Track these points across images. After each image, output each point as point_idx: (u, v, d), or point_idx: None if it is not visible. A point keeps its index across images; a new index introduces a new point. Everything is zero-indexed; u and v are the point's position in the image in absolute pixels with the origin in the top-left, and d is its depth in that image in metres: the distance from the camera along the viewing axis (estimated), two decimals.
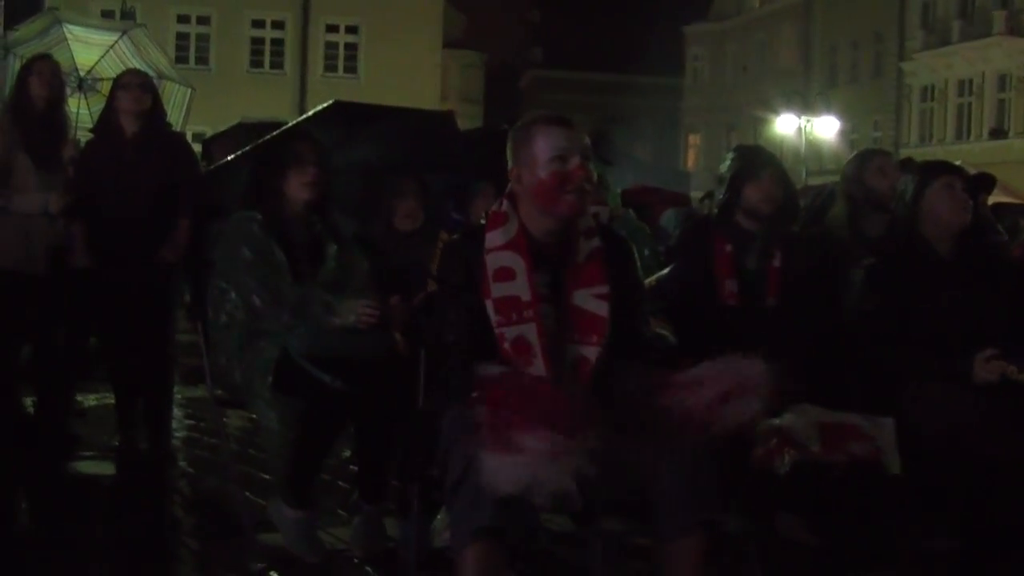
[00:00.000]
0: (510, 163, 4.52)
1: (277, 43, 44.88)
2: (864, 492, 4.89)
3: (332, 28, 44.97)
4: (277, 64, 44.81)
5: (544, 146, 4.41)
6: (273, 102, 37.19)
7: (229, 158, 7.04)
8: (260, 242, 5.52)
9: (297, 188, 5.67)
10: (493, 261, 4.40)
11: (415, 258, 6.27)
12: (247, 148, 6.74)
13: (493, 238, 4.44)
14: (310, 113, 7.22)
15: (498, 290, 4.36)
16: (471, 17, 60.32)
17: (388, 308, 5.58)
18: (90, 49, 9.04)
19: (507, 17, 71.30)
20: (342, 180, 6.29)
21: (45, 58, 7.78)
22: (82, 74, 8.86)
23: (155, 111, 7.59)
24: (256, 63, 44.67)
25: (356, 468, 5.84)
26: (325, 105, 7.03)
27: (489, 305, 4.34)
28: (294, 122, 7.38)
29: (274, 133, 6.65)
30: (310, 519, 5.51)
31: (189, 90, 9.22)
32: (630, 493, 4.12)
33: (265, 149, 6.21)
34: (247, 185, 5.89)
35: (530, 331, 4.32)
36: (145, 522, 6.37)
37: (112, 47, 9.06)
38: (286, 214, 5.67)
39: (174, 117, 8.47)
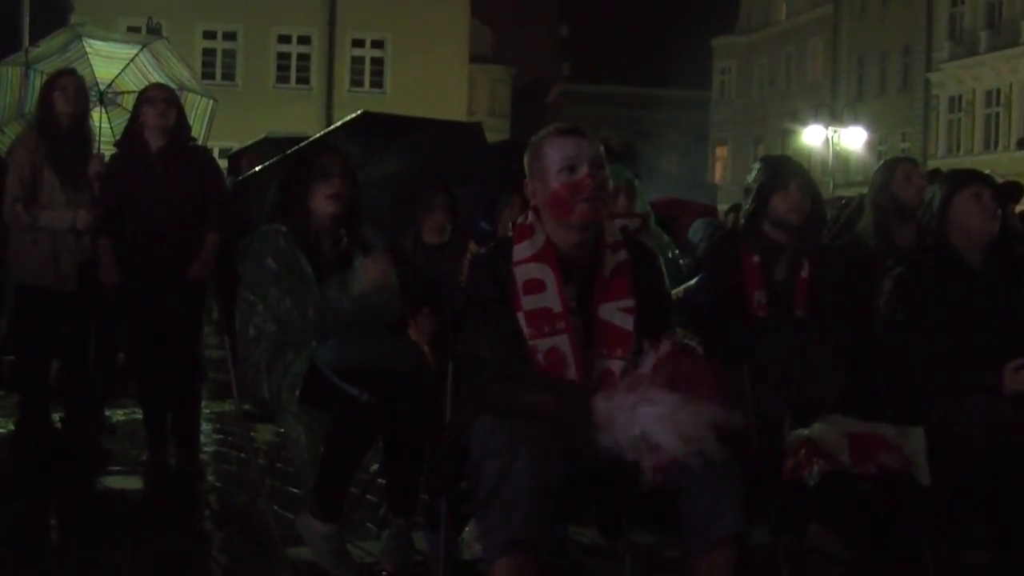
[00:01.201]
0: (527, 177, 4.53)
1: (303, 58, 44.93)
2: (894, 503, 4.86)
3: (358, 43, 45.01)
4: (304, 79, 44.86)
5: (554, 157, 4.42)
6: (300, 117, 37.19)
7: (256, 169, 7.05)
8: (286, 254, 5.52)
9: (323, 201, 5.66)
10: (523, 273, 4.39)
11: (444, 271, 6.26)
12: (273, 161, 6.75)
13: (521, 250, 4.44)
14: (338, 124, 7.22)
15: (529, 302, 4.36)
16: (498, 32, 60.43)
17: (417, 321, 5.62)
18: (111, 63, 9.03)
19: (534, 32, 71.37)
20: (371, 193, 6.29)
21: (69, 73, 7.78)
22: (103, 88, 8.86)
23: (180, 125, 7.58)
24: (283, 78, 44.72)
25: (385, 481, 5.83)
26: (354, 116, 7.02)
27: (521, 317, 4.34)
28: (321, 133, 7.37)
29: (300, 145, 6.64)
30: (339, 533, 5.49)
31: (212, 102, 9.18)
32: (658, 504, 4.10)
33: (291, 162, 6.21)
34: (274, 198, 5.90)
35: (563, 343, 4.32)
36: (174, 537, 6.36)
37: (133, 60, 9.05)
38: (312, 227, 5.66)
39: (196, 129, 8.44)
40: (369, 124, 7.07)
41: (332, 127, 7.50)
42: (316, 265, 5.58)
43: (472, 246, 6.41)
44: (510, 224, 4.69)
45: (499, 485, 3.96)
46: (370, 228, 6.24)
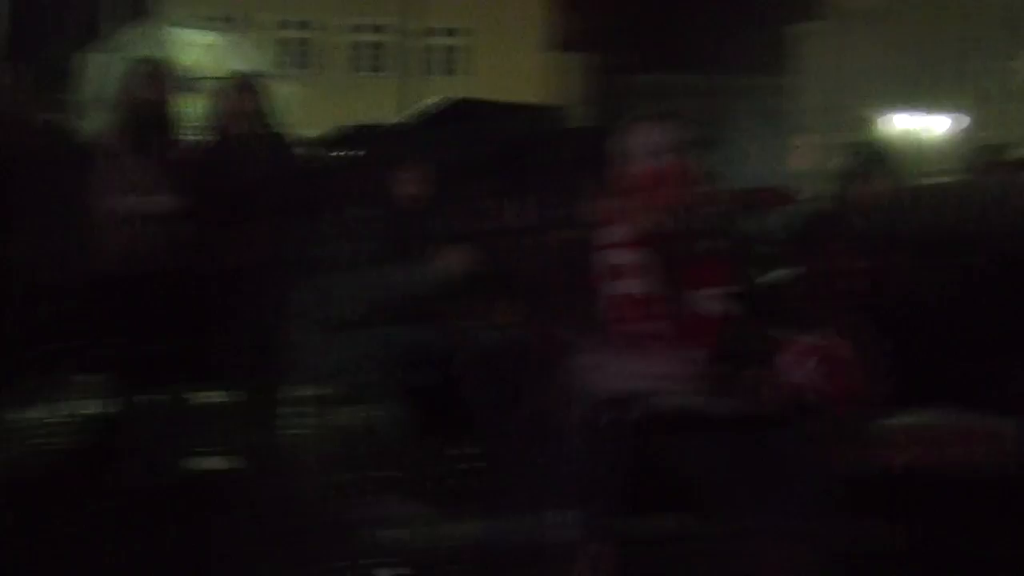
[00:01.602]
0: (614, 162, 4.54)
1: (379, 47, 45.11)
2: (998, 496, 4.78)
3: (435, 31, 45.10)
4: (380, 68, 45.02)
5: (642, 142, 4.44)
6: (376, 106, 37.37)
7: (336, 156, 7.08)
8: (367, 238, 5.55)
9: (405, 185, 5.68)
10: (608, 258, 4.39)
11: (522, 257, 6.25)
12: (358, 149, 6.78)
13: (608, 235, 4.44)
14: (426, 109, 7.26)
15: (613, 287, 4.35)
16: (576, 20, 60.34)
17: (502, 306, 5.64)
18: (191, 49, 9.11)
19: (613, 19, 71.28)
20: (455, 178, 6.29)
21: (150, 60, 7.84)
22: (183, 74, 8.91)
23: (259, 112, 7.62)
24: (359, 67, 44.93)
25: (468, 465, 5.83)
26: (444, 102, 7.06)
27: (605, 302, 4.34)
28: (410, 119, 7.41)
29: (384, 130, 6.67)
30: (422, 515, 5.50)
31: (290, 90, 9.20)
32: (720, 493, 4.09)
33: (374, 148, 6.23)
34: (356, 184, 5.92)
35: (646, 328, 4.31)
36: (255, 519, 6.37)
37: (212, 47, 9.13)
38: (394, 211, 5.68)
39: (275, 117, 8.48)
40: (458, 111, 7.10)
41: (416, 112, 7.54)
42: (395, 249, 5.59)
43: (556, 232, 6.39)
44: (596, 209, 4.67)
45: (582, 469, 3.97)
46: (451, 213, 6.26)
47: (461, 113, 7.07)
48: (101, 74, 8.92)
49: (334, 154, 7.82)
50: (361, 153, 6.68)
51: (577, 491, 4.03)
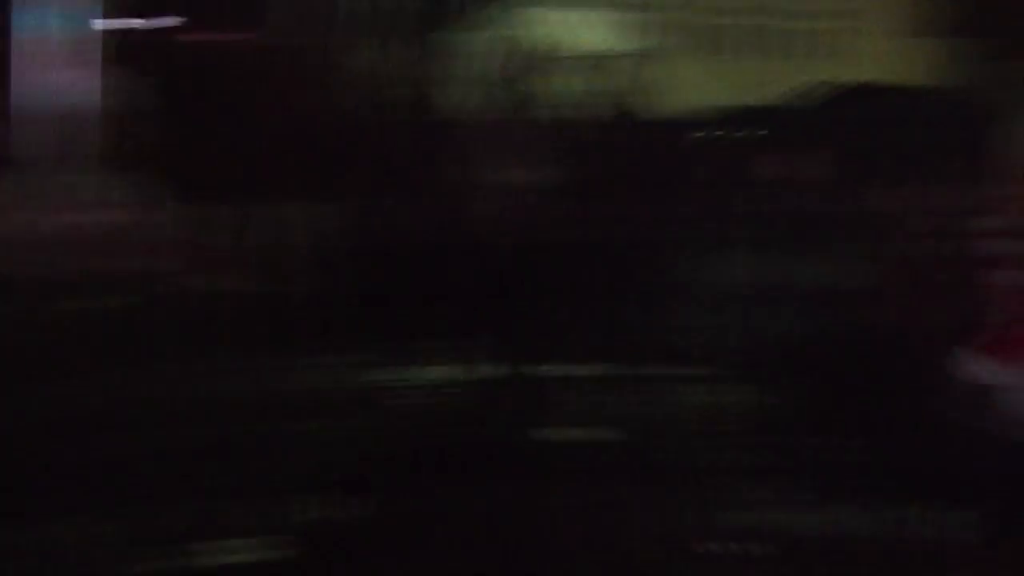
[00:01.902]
0: (1014, 150, 4.39)
1: (736, 29, 44.87)
2: None
3: (805, 14, 44.57)
4: (739, 49, 44.76)
5: None
6: (738, 88, 37.16)
7: (728, 136, 7.08)
8: (764, 219, 5.57)
9: (804, 168, 5.69)
10: (992, 247, 4.24)
11: (920, 245, 6.14)
12: (751, 129, 6.78)
13: (991, 223, 4.29)
14: (822, 92, 7.24)
15: (999, 277, 4.20)
16: (953, 6, 58.89)
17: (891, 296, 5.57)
18: (547, 27, 9.19)
19: (990, 7, 69.29)
20: (855, 162, 6.24)
21: (506, 38, 7.98)
22: (548, 52, 9.01)
23: (629, 90, 7.65)
24: (718, 48, 44.77)
25: (853, 454, 5.72)
26: (842, 85, 7.02)
27: (987, 291, 4.19)
28: (806, 101, 7.38)
29: (783, 111, 6.65)
30: (802, 501, 5.43)
31: (649, 69, 9.21)
32: None
33: (775, 129, 6.23)
34: (753, 164, 5.94)
35: None
36: (627, 493, 6.34)
37: (569, 24, 9.18)
38: (792, 192, 5.69)
39: (632, 97, 8.51)
40: (857, 94, 7.05)
41: (809, 94, 7.52)
42: (794, 231, 5.60)
43: (951, 218, 6.26)
44: (988, 197, 4.53)
45: (996, 467, 3.85)
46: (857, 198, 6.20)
47: (861, 96, 6.99)
48: (468, 52, 9.04)
49: (727, 134, 7.79)
50: (760, 133, 6.65)
51: (986, 491, 3.88)
